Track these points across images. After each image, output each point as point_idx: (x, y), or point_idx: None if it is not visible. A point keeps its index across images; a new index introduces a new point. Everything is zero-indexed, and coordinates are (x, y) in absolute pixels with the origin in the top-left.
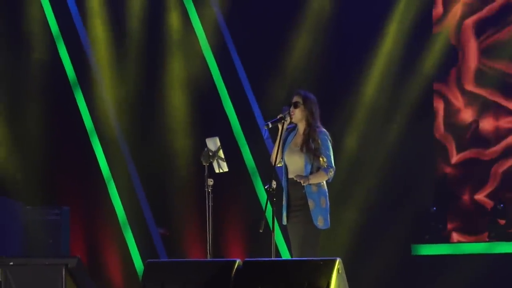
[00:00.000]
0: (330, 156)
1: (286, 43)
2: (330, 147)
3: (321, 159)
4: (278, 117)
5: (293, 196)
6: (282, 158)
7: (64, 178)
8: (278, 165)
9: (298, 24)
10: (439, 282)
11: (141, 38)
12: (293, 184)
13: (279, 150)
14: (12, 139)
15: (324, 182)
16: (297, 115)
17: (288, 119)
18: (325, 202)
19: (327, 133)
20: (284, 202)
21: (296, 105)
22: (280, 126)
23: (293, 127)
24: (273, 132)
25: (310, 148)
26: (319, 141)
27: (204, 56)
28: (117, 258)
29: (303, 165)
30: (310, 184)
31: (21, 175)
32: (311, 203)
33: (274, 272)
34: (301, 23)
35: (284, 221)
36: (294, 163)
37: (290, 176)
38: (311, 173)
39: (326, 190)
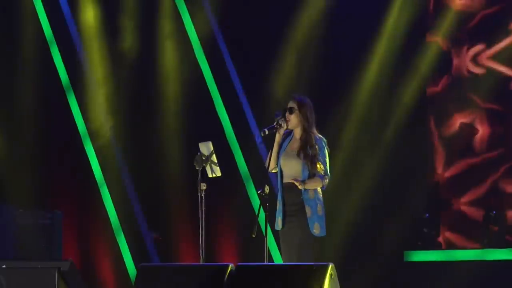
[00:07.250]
0: (327, 163)
1: (279, 48)
2: (327, 154)
3: (318, 165)
4: (274, 124)
5: (289, 201)
6: (277, 163)
7: (57, 182)
8: (273, 171)
9: (292, 27)
10: None
11: (134, 44)
12: (289, 188)
13: (275, 157)
14: (4, 143)
15: (320, 189)
16: (293, 120)
17: (284, 125)
18: (322, 210)
19: (325, 140)
20: (278, 207)
21: (291, 111)
22: (276, 133)
23: (288, 132)
24: (267, 138)
25: (308, 154)
26: (317, 147)
27: (196, 59)
28: (110, 262)
29: (300, 170)
30: (307, 191)
31: (14, 178)
32: (308, 210)
33: (266, 277)
34: (295, 26)
35: (279, 227)
36: (290, 167)
37: (285, 180)
38: (307, 178)
39: (322, 198)
